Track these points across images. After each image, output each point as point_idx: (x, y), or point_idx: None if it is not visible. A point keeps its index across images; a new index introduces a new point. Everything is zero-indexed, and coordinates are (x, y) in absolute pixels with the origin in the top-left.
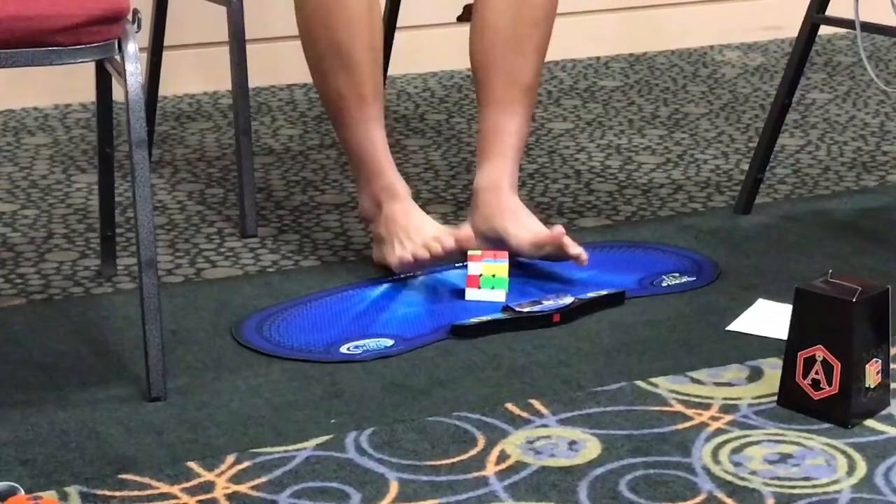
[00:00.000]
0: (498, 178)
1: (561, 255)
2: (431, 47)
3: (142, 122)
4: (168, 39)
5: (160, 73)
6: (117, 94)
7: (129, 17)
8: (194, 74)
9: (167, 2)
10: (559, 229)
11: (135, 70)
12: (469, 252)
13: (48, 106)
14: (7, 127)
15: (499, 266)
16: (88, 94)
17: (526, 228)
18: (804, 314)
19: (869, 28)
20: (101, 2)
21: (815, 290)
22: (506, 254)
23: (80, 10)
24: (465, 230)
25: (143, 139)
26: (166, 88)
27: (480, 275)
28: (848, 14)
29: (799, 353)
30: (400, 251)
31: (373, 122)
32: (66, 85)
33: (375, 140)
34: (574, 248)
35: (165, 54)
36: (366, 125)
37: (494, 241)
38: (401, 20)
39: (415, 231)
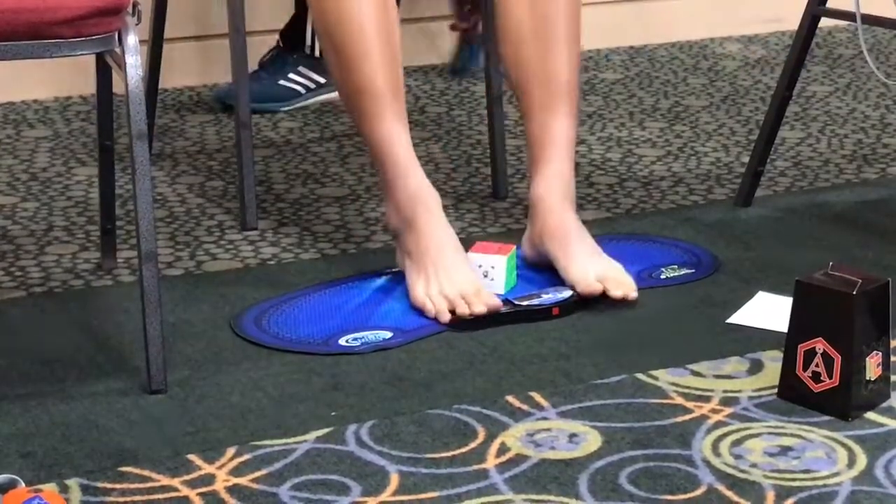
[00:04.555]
0: (550, 188)
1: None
2: (432, 40)
3: (142, 114)
4: (168, 32)
5: (160, 66)
6: (117, 86)
7: (130, 9)
8: (195, 67)
9: None
10: (595, 287)
11: (135, 62)
12: (471, 253)
13: (48, 98)
14: (7, 119)
15: (510, 259)
16: (88, 87)
17: (575, 260)
18: (804, 307)
19: (870, 20)
20: None
21: (816, 283)
22: (512, 247)
23: (81, 3)
24: (497, 302)
25: (144, 132)
26: (166, 81)
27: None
28: (849, 6)
29: (799, 346)
30: (423, 293)
31: (393, 118)
32: (66, 77)
33: (396, 135)
34: (615, 292)
35: (166, 46)
36: (386, 121)
37: (546, 263)
38: (401, 13)
39: (445, 276)
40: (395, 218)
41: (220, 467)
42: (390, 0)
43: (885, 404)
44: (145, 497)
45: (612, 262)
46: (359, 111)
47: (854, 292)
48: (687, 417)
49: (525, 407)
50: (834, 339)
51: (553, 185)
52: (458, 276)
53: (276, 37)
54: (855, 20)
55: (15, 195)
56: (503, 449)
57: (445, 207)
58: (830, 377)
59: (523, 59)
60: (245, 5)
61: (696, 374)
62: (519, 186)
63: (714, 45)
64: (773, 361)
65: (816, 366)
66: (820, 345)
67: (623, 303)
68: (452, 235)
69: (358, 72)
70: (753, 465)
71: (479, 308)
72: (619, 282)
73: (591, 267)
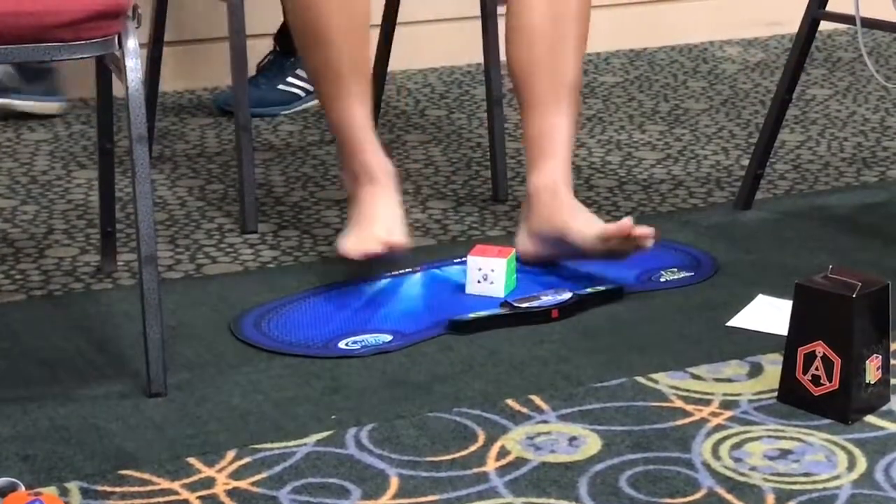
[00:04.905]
0: (553, 178)
1: (627, 247)
2: (432, 43)
3: (142, 117)
4: (168, 35)
5: (160, 69)
6: (117, 89)
7: (130, 12)
8: (194, 70)
9: None
10: (627, 221)
11: (135, 66)
12: (471, 256)
13: None
14: (7, 122)
15: (509, 262)
16: (88, 90)
17: (588, 223)
18: (804, 310)
19: (869, 24)
20: None
21: (815, 286)
22: (512, 250)
23: (81, 6)
24: (401, 241)
25: (144, 135)
26: (166, 84)
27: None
28: (848, 9)
29: (799, 349)
30: (343, 238)
31: (351, 99)
32: (66, 81)
33: (353, 116)
34: (639, 230)
35: (165, 50)
36: (344, 101)
37: (555, 241)
38: (401, 16)
39: (367, 222)
40: (348, 185)
41: (220, 470)
42: None
43: (884, 407)
44: (145, 500)
45: None
46: (320, 89)
47: (854, 295)
48: (687, 421)
49: (525, 410)
50: (833, 342)
51: (556, 175)
52: (375, 223)
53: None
54: (855, 23)
55: (15, 198)
56: (503, 452)
57: (445, 210)
58: (830, 380)
59: (533, 59)
60: (245, 9)
61: (696, 377)
62: (519, 189)
63: (714, 48)
64: (772, 365)
65: (816, 369)
66: (820, 348)
67: (619, 303)
68: (394, 205)
69: (321, 53)
70: (753, 469)
71: (375, 246)
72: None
73: (604, 224)
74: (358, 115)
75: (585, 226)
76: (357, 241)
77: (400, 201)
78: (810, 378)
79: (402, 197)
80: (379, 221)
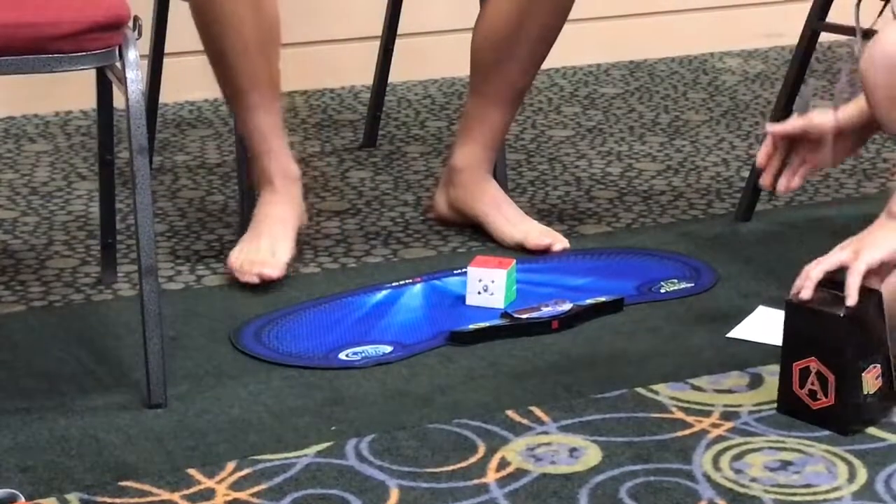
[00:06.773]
0: (478, 162)
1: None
2: (432, 54)
3: (142, 129)
4: (169, 46)
5: (161, 80)
6: (118, 100)
7: (130, 24)
8: (195, 81)
9: (168, 8)
10: (548, 243)
11: (135, 77)
12: (471, 267)
13: (49, 113)
14: (8, 134)
15: (510, 274)
16: (89, 101)
17: (511, 222)
18: (795, 326)
19: (870, 35)
20: (102, 9)
21: (805, 304)
22: (512, 261)
23: (81, 18)
24: (273, 274)
25: (144, 146)
26: (167, 95)
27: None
28: (849, 21)
29: (794, 364)
30: (235, 257)
31: (252, 110)
32: (66, 92)
33: (254, 124)
34: (546, 242)
35: (166, 61)
36: (245, 111)
37: (469, 219)
38: (401, 27)
39: (255, 238)
40: (254, 186)
41: (220, 481)
42: (268, 6)
43: (885, 419)
44: None
45: (540, 224)
46: (224, 96)
47: (842, 314)
48: (687, 432)
49: (525, 421)
50: (826, 359)
51: (481, 161)
52: (264, 243)
53: None
54: (855, 34)
55: (15, 209)
56: (503, 463)
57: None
58: (826, 396)
59: (490, 60)
60: None
61: (697, 388)
62: (519, 200)
63: (714, 59)
64: (773, 376)
65: (812, 384)
66: (813, 364)
67: (619, 314)
68: (288, 212)
69: (219, 69)
70: (754, 480)
71: (250, 278)
72: (558, 237)
73: (529, 225)
74: (260, 124)
75: (507, 222)
76: (241, 263)
77: (298, 207)
78: (807, 392)
79: (304, 204)
80: (265, 238)
